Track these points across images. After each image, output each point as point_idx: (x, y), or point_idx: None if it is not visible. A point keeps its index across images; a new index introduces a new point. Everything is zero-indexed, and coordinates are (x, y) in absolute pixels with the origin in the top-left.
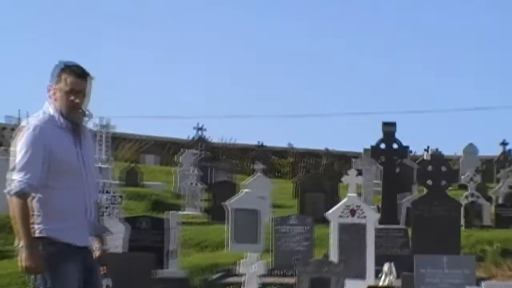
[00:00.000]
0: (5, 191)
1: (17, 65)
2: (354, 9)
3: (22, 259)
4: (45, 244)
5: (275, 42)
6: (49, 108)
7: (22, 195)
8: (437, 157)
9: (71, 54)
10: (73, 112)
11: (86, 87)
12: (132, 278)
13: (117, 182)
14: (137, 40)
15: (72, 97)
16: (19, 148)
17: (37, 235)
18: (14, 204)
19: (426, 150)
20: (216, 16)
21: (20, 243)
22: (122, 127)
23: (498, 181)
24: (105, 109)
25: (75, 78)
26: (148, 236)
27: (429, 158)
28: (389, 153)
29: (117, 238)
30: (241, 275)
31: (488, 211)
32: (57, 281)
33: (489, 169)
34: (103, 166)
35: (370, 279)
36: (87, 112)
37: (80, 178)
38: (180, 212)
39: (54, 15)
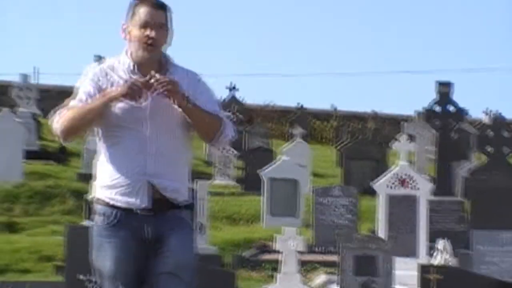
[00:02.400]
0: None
1: (31, 23)
2: None
3: None
4: (94, 209)
5: None
6: (124, 52)
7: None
8: (499, 121)
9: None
10: (147, 50)
11: (165, 20)
12: None
13: None
14: None
15: (147, 32)
16: None
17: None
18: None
19: (486, 113)
20: None
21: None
22: None
23: None
24: None
25: (149, 8)
26: None
27: (489, 122)
28: (444, 116)
29: None
30: (278, 252)
31: None
32: (98, 253)
33: None
34: None
35: (422, 257)
36: (167, 57)
37: (139, 130)
38: (210, 181)
39: None
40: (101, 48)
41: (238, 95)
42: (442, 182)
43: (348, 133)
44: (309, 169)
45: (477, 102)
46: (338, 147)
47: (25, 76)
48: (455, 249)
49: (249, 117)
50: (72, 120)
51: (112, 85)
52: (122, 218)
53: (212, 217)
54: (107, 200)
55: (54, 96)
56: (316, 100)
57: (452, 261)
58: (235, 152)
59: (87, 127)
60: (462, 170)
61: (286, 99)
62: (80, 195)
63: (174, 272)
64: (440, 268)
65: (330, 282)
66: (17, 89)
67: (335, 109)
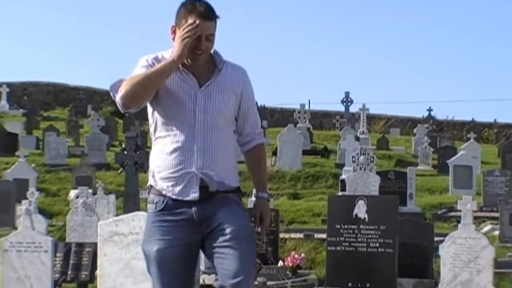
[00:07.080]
0: None
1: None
2: None
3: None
4: (148, 198)
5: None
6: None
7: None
8: None
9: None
10: (193, 59)
11: (212, 30)
12: (383, 213)
13: (372, 147)
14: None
15: (196, 44)
16: None
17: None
18: None
19: None
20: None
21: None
22: (376, 109)
23: None
24: (365, 96)
25: (200, 19)
26: (394, 184)
27: None
28: None
29: (372, 186)
30: (460, 211)
31: None
32: (147, 239)
33: None
34: (363, 136)
35: None
36: (217, 55)
37: (189, 123)
38: (416, 167)
39: None
40: None
41: (433, 113)
42: None
43: (504, 136)
44: (479, 159)
45: None
46: (498, 145)
47: (303, 105)
48: None
49: (440, 127)
50: (132, 86)
51: None
52: (169, 204)
53: (417, 189)
54: (159, 189)
55: (318, 117)
56: (483, 115)
57: None
58: (432, 149)
59: (147, 93)
60: None
61: (464, 115)
62: (336, 176)
63: (232, 243)
64: None
65: (493, 229)
66: (297, 112)
67: (496, 121)
